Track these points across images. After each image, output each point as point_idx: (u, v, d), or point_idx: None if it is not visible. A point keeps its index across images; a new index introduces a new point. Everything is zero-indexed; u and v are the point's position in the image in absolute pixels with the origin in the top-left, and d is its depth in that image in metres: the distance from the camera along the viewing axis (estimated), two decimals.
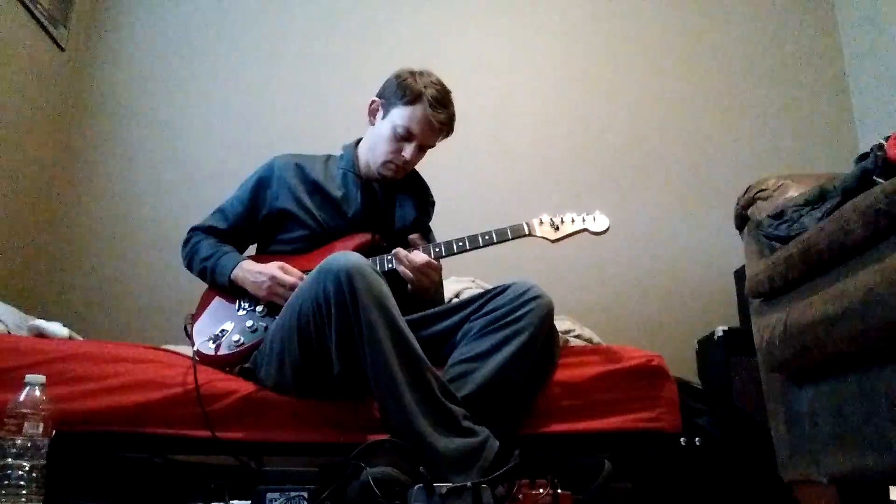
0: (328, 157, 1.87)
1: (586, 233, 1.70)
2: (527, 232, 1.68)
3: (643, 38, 3.06)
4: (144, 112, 2.85)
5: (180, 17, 2.96)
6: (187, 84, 2.89)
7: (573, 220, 1.71)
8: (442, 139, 1.78)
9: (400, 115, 1.70)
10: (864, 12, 2.93)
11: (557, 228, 1.70)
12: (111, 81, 2.87)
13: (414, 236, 1.70)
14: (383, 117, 1.75)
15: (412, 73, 1.74)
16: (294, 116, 2.87)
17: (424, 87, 1.69)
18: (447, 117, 1.72)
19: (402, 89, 1.71)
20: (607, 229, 1.70)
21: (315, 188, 1.77)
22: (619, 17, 3.08)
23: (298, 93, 2.91)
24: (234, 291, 1.67)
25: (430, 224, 1.92)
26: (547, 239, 1.70)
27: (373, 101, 1.78)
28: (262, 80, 2.92)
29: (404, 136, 1.71)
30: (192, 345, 1.58)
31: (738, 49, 3.05)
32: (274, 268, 1.63)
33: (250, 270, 1.65)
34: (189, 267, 1.77)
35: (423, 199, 1.88)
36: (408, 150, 1.72)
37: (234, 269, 1.67)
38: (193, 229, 1.80)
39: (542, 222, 1.70)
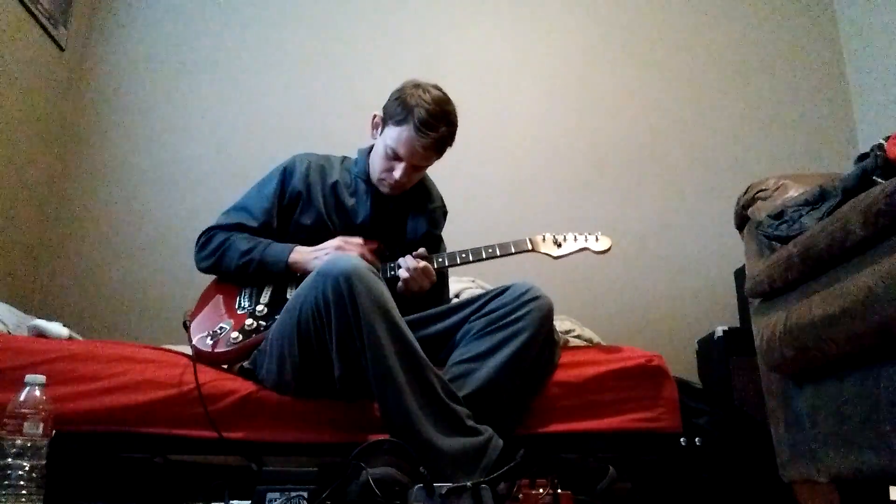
0: (343, 159, 1.87)
1: (587, 251, 1.76)
2: (529, 248, 1.73)
3: (643, 38, 3.06)
4: (144, 112, 2.85)
5: (180, 17, 2.96)
6: (187, 84, 2.89)
7: (576, 239, 1.76)
8: (435, 160, 1.74)
9: (389, 135, 1.68)
10: (864, 12, 2.93)
11: (560, 245, 1.75)
12: (111, 81, 2.87)
13: (421, 250, 1.68)
14: (380, 133, 1.74)
15: (413, 88, 1.68)
16: (294, 116, 2.87)
17: (415, 106, 1.64)
18: (431, 142, 1.65)
19: (396, 107, 1.67)
20: (608, 249, 1.76)
21: (332, 192, 1.77)
22: (619, 18, 3.08)
23: (298, 93, 2.91)
24: (288, 277, 1.66)
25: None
26: (549, 255, 1.75)
27: (374, 115, 1.76)
28: (262, 80, 2.92)
29: (392, 157, 1.69)
30: (189, 340, 1.57)
31: (738, 49, 3.05)
32: (337, 240, 1.67)
33: (308, 251, 1.66)
34: (216, 265, 1.71)
35: (433, 211, 1.86)
36: (398, 171, 1.69)
37: (290, 253, 1.66)
38: (215, 229, 1.74)
39: (544, 239, 1.75)
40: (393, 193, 1.76)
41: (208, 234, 1.74)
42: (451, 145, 1.73)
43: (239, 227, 1.73)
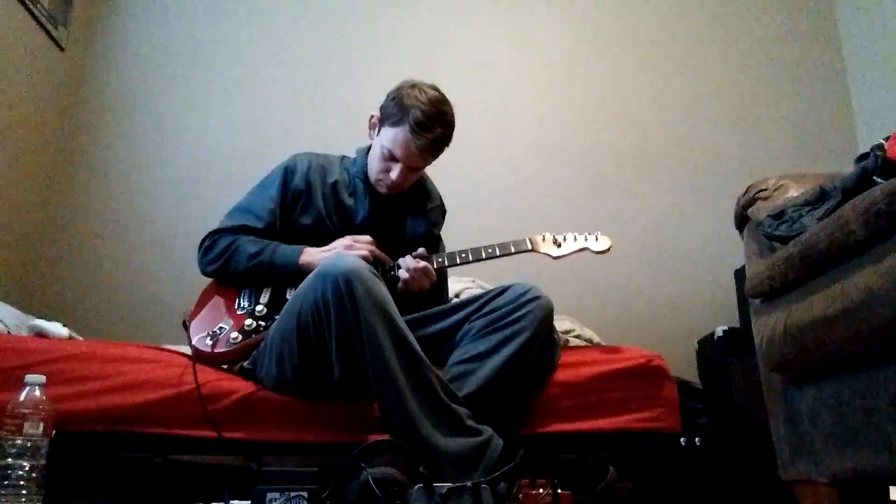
0: (342, 158, 1.87)
1: (587, 251, 1.76)
2: (529, 247, 1.73)
3: (643, 38, 3.06)
4: (144, 112, 2.85)
5: (180, 17, 2.96)
6: (187, 84, 2.89)
7: (575, 239, 1.77)
8: (432, 161, 1.74)
9: (385, 136, 1.68)
10: (864, 12, 2.93)
11: (559, 245, 1.75)
12: (111, 81, 2.87)
13: (421, 250, 1.69)
14: (377, 134, 1.74)
15: (409, 89, 1.67)
16: (294, 116, 2.87)
17: (411, 107, 1.63)
18: (427, 143, 1.65)
19: (392, 108, 1.67)
20: (609, 249, 1.76)
21: (332, 191, 1.77)
22: (620, 18, 3.08)
23: (298, 93, 2.91)
24: (298, 279, 1.58)
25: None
26: (549, 255, 1.75)
27: (371, 116, 1.76)
28: (262, 80, 2.92)
29: (389, 158, 1.69)
30: (189, 340, 1.57)
31: (738, 49, 3.05)
32: (346, 238, 1.66)
33: (317, 251, 1.64)
34: (223, 268, 1.68)
35: (432, 210, 1.86)
36: (394, 172, 1.69)
37: (300, 255, 1.65)
38: (219, 232, 1.71)
39: (544, 239, 1.75)
40: (390, 194, 1.76)
41: (213, 237, 1.72)
42: (447, 146, 1.72)
43: (244, 230, 1.71)
